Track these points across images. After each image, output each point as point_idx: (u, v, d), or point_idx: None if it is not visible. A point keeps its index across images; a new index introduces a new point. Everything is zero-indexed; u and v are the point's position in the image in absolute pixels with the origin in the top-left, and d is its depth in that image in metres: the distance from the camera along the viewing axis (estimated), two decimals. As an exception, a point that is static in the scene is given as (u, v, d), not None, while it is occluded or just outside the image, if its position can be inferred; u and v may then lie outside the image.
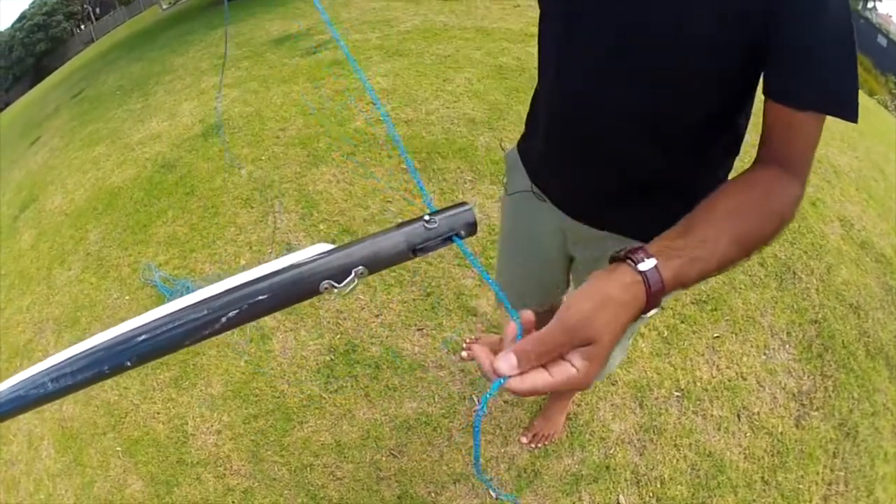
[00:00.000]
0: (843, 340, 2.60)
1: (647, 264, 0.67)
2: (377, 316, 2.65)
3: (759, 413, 2.29)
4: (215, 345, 2.72)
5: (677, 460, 2.13)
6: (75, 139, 6.34)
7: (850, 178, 3.84)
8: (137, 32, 15.57)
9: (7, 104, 25.40)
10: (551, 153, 1.22)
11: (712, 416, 2.27)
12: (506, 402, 2.29)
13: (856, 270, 2.99)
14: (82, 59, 18.12)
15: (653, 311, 0.68)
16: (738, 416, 2.27)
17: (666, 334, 2.51)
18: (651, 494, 2.07)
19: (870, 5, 27.84)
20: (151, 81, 7.08)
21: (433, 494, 2.10)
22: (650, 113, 1.00)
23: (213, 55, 7.17)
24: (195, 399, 2.57)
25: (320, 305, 2.73)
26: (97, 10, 32.78)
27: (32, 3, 33.13)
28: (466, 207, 0.69)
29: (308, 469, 2.21)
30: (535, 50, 1.29)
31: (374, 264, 0.64)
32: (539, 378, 0.61)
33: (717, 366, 2.43)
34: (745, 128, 1.06)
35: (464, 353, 2.42)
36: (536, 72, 1.29)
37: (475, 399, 2.30)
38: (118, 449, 2.52)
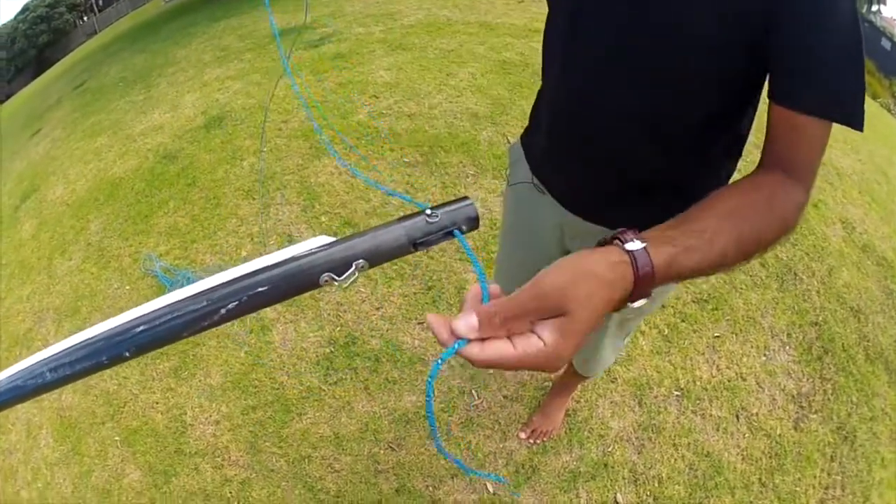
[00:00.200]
0: (843, 343, 2.59)
1: (635, 244, 0.63)
2: (378, 309, 2.65)
3: (757, 414, 2.29)
4: (215, 335, 2.72)
5: (675, 460, 2.14)
6: (77, 130, 6.33)
7: (852, 180, 3.83)
8: (140, 24, 15.57)
9: (9, 95, 25.37)
10: (553, 149, 1.22)
11: (711, 416, 2.26)
12: (505, 397, 2.29)
13: (857, 273, 2.99)
14: (85, 51, 18.10)
15: (641, 301, 0.64)
16: (737, 417, 2.27)
17: (667, 332, 2.51)
18: (648, 493, 2.07)
19: (874, 8, 27.83)
20: (154, 73, 7.06)
21: (430, 488, 2.10)
22: (650, 113, 1.00)
23: (216, 47, 7.14)
24: (194, 389, 2.57)
25: (321, 297, 2.73)
26: (100, 1, 32.73)
27: None
28: (468, 202, 0.68)
29: (306, 461, 2.22)
30: (538, 46, 1.29)
31: (375, 257, 0.63)
32: (500, 348, 0.56)
33: (717, 365, 2.43)
34: (748, 129, 1.06)
35: None
36: (540, 68, 1.29)
37: (475, 393, 2.30)
38: (116, 438, 2.52)
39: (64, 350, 0.61)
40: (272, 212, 3.32)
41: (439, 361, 0.57)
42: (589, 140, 1.10)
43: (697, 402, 2.30)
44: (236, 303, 0.60)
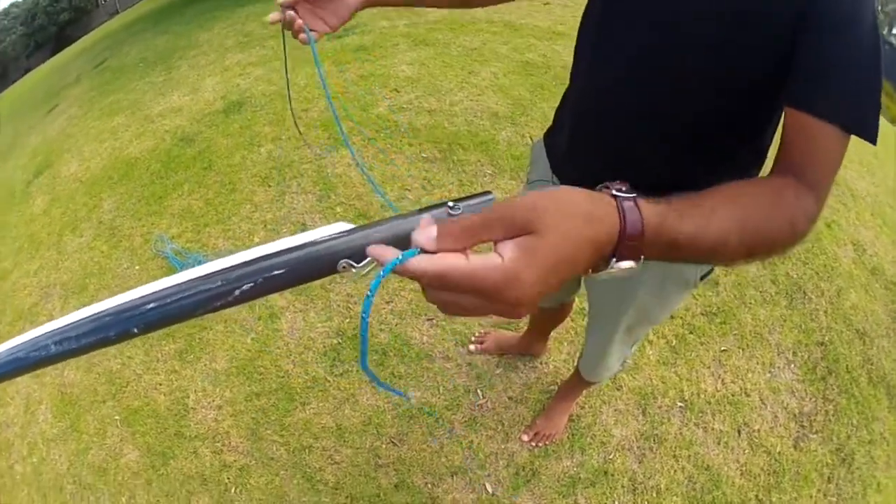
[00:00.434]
0: (847, 365, 2.59)
1: (623, 193, 0.59)
2: (388, 303, 2.65)
3: (759, 431, 2.29)
4: (223, 320, 2.73)
5: (675, 471, 2.14)
6: (94, 108, 6.32)
7: (866, 202, 3.83)
8: (163, 6, 15.48)
9: (27, 70, 25.49)
10: (575, 149, 1.24)
11: (713, 429, 2.27)
12: (510, 398, 2.30)
13: (865, 296, 2.99)
14: (105, 30, 18.11)
15: (629, 264, 0.58)
16: (739, 432, 2.27)
17: (674, 343, 2.51)
18: (646, 503, 2.07)
19: (895, 31, 27.84)
20: (175, 55, 7.04)
21: (430, 485, 2.11)
22: (672, 115, 1.01)
23: (240, 32, 7.11)
24: (198, 373, 2.58)
25: (331, 288, 2.73)
26: (123, -20, 32.89)
27: None
28: (490, 196, 0.67)
29: (307, 451, 2.22)
30: (561, 49, 1.29)
31: (395, 246, 0.61)
32: (450, 260, 0.50)
33: (722, 379, 2.43)
34: (771, 139, 1.06)
35: (471, 347, 2.43)
36: (562, 70, 1.29)
37: (480, 393, 2.31)
38: (116, 418, 2.53)
39: (70, 324, 0.60)
40: (287, 200, 3.32)
41: (383, 272, 0.53)
42: (611, 140, 1.11)
43: (700, 414, 2.30)
44: (251, 284, 0.60)
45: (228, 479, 2.22)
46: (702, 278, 1.29)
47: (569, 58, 1.21)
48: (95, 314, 0.61)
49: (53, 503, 2.41)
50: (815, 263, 3.02)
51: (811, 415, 2.38)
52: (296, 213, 3.20)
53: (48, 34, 31.59)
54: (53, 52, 24.63)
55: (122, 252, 3.41)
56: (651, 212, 0.59)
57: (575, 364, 2.02)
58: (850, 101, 0.80)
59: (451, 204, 0.63)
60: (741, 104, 0.97)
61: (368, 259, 0.60)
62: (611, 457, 2.16)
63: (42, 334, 0.61)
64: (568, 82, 1.28)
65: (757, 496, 2.12)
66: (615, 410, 2.28)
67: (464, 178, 3.23)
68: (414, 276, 0.52)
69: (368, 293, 0.54)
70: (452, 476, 2.11)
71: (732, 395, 2.38)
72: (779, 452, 2.23)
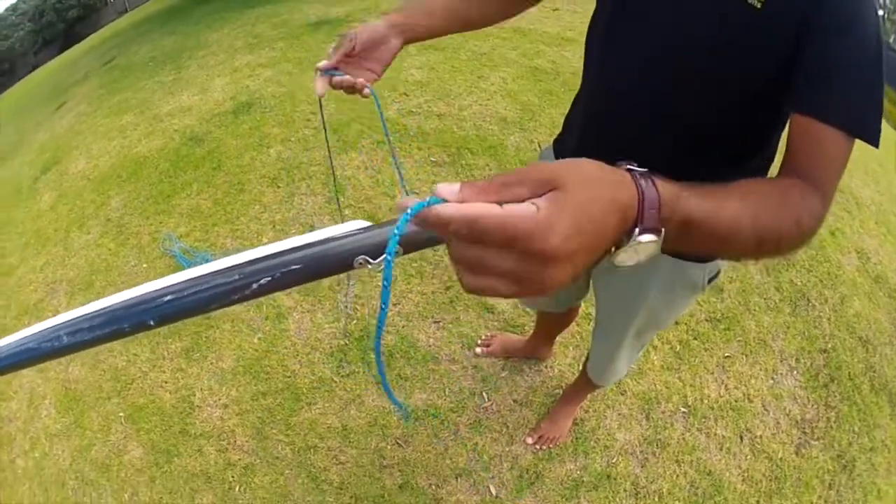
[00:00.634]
0: (849, 372, 2.61)
1: (636, 168, 0.57)
2: (395, 305, 2.67)
3: (761, 437, 2.30)
4: (229, 319, 2.74)
5: (677, 476, 2.15)
6: (103, 106, 6.34)
7: (870, 210, 3.85)
8: (172, 6, 15.47)
9: (35, 67, 25.54)
10: (585, 150, 1.24)
11: (716, 435, 2.28)
12: (515, 401, 2.31)
13: (868, 304, 3.00)
14: (115, 28, 18.14)
15: (650, 237, 0.55)
16: (741, 438, 2.29)
17: (678, 349, 2.52)
18: (648, 507, 2.10)
19: None
20: (185, 55, 7.06)
21: (434, 487, 2.12)
22: (682, 118, 1.03)
23: (249, 34, 7.12)
24: (205, 371, 2.59)
25: (339, 289, 2.75)
26: (132, -20, 32.96)
27: None
28: None
29: (312, 450, 2.23)
30: (570, 55, 1.32)
31: (410, 244, 0.62)
32: (483, 205, 0.46)
33: (726, 385, 2.44)
34: (776, 145, 1.08)
35: (478, 350, 2.45)
36: (570, 77, 1.31)
37: (485, 396, 2.32)
38: (121, 414, 2.54)
39: (83, 315, 0.62)
40: (296, 201, 3.34)
41: (409, 213, 0.48)
42: (620, 143, 1.10)
43: (703, 420, 2.32)
44: (269, 278, 0.61)
45: (233, 477, 2.23)
46: (709, 281, 1.31)
47: (578, 64, 1.22)
48: (109, 306, 0.62)
49: (55, 498, 2.41)
50: (819, 271, 3.04)
51: (813, 421, 2.40)
52: (304, 214, 3.22)
53: (56, 31, 31.60)
54: (62, 50, 24.62)
55: (129, 250, 3.42)
56: (665, 187, 0.57)
57: (580, 368, 2.04)
58: (853, 105, 0.82)
59: None
60: (748, 108, 0.99)
61: (383, 256, 0.60)
62: (614, 461, 2.17)
63: (54, 325, 0.62)
64: (577, 89, 1.30)
65: (758, 502, 2.13)
66: (619, 415, 2.30)
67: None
68: (441, 223, 0.47)
69: (387, 254, 0.52)
70: (457, 478, 2.12)
71: (735, 401, 2.39)
72: (780, 458, 2.24)
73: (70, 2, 30.97)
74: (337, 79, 1.13)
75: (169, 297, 0.61)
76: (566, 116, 1.38)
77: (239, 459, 2.26)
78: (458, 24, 1.20)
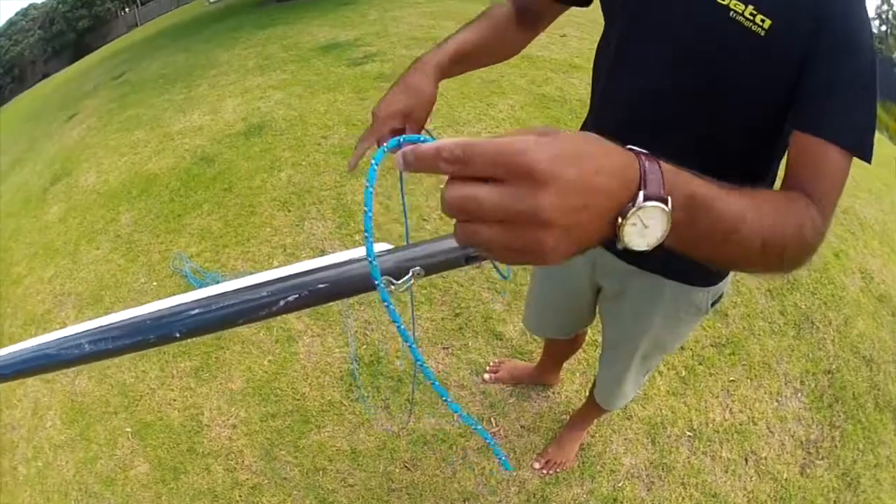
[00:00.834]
0: (853, 392, 2.63)
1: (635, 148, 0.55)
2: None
3: (766, 458, 2.32)
4: (240, 341, 2.77)
5: (683, 499, 2.17)
6: (113, 121, 6.42)
7: (874, 230, 3.89)
8: (183, 22, 15.69)
9: (44, 75, 25.70)
10: None
11: (721, 457, 2.30)
12: (522, 427, 2.34)
13: (872, 323, 3.03)
14: (125, 42, 18.31)
15: (655, 204, 0.51)
16: (746, 460, 2.31)
17: (684, 374, 2.55)
18: (655, 530, 2.12)
19: None
20: (195, 74, 7.16)
21: (442, 511, 2.15)
22: (687, 145, 1.01)
23: (260, 55, 7.23)
24: (214, 391, 2.61)
25: (349, 314, 2.78)
26: (143, -6, 33.21)
27: None
28: None
29: (320, 472, 2.25)
30: (577, 81, 1.36)
31: (431, 267, 0.66)
32: (477, 140, 0.44)
33: (731, 409, 2.47)
34: (777, 168, 1.11)
35: (486, 376, 2.48)
36: (578, 104, 1.36)
37: (493, 421, 2.35)
38: (128, 430, 2.56)
39: (105, 325, 0.64)
40: (306, 226, 3.38)
41: (400, 141, 0.51)
42: None
43: (709, 443, 2.34)
44: (296, 296, 0.64)
45: (240, 496, 2.23)
46: (713, 304, 1.35)
47: (585, 91, 1.28)
48: (134, 318, 0.64)
49: (56, 507, 2.44)
50: (823, 293, 3.07)
51: (818, 441, 2.42)
52: (315, 238, 3.25)
53: (66, 41, 31.79)
54: (72, 60, 24.77)
55: (139, 267, 3.46)
56: (667, 164, 0.55)
57: (587, 394, 2.07)
58: (851, 124, 0.86)
59: None
60: (751, 134, 1.04)
61: (407, 277, 0.64)
62: (620, 484, 2.19)
63: (73, 334, 0.64)
64: (584, 116, 1.34)
65: (764, 522, 2.16)
66: (625, 439, 2.32)
67: None
68: (433, 153, 0.46)
69: (373, 162, 0.54)
70: (464, 501, 2.14)
71: (740, 424, 2.41)
72: (785, 479, 2.26)
73: (80, 11, 31.17)
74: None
75: (197, 311, 0.64)
76: None
77: (247, 479, 2.27)
78: (486, 62, 1.22)
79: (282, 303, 0.64)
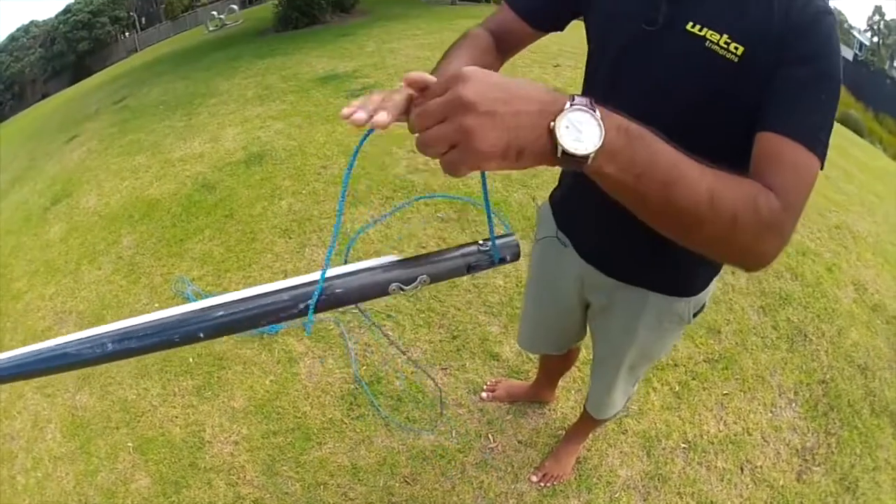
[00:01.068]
0: (848, 399, 2.67)
1: None
2: (404, 353, 2.75)
3: (761, 467, 2.35)
4: (241, 361, 2.81)
5: None
6: (114, 145, 6.48)
7: (867, 242, 3.96)
8: (183, 50, 15.85)
9: (44, 95, 25.75)
10: (576, 203, 1.39)
11: (716, 467, 2.33)
12: (519, 441, 2.38)
13: (866, 332, 3.08)
14: (125, 67, 18.31)
15: (582, 111, 0.60)
16: (742, 469, 2.33)
17: (677, 389, 2.60)
18: (653, 539, 2.14)
19: None
20: (196, 102, 7.24)
21: (441, 524, 2.17)
22: None
23: (259, 85, 7.34)
24: (216, 409, 2.63)
25: (350, 338, 2.83)
26: (143, 19, 33.39)
27: None
28: (513, 237, 0.81)
29: (322, 487, 2.27)
30: None
31: (437, 275, 0.74)
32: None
33: (725, 421, 2.50)
34: None
35: (483, 395, 2.53)
36: None
37: (491, 437, 2.39)
38: (129, 444, 2.57)
39: (129, 326, 0.66)
40: (307, 252, 3.45)
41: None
42: (604, 193, 1.26)
43: (703, 454, 2.37)
44: (315, 300, 0.70)
45: None
46: (695, 315, 1.42)
47: None
48: (156, 319, 0.67)
49: (56, 519, 2.44)
50: (816, 307, 3.13)
51: (814, 449, 2.45)
52: (315, 265, 3.29)
53: (66, 62, 31.89)
54: (71, 81, 24.82)
55: (141, 288, 3.50)
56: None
57: (581, 410, 2.11)
58: (811, 124, 0.89)
59: (480, 242, 0.78)
60: (730, 154, 1.02)
61: (415, 283, 0.72)
62: (617, 495, 2.22)
63: (96, 334, 0.66)
64: None
65: (762, 528, 2.18)
66: (620, 452, 2.35)
67: (477, 238, 3.33)
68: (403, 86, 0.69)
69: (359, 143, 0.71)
70: None
71: (735, 435, 2.45)
72: (782, 486, 2.29)
73: (81, 33, 31.31)
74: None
75: (221, 312, 0.68)
76: (562, 171, 1.46)
77: (248, 493, 2.29)
78: None
79: (301, 306, 0.69)
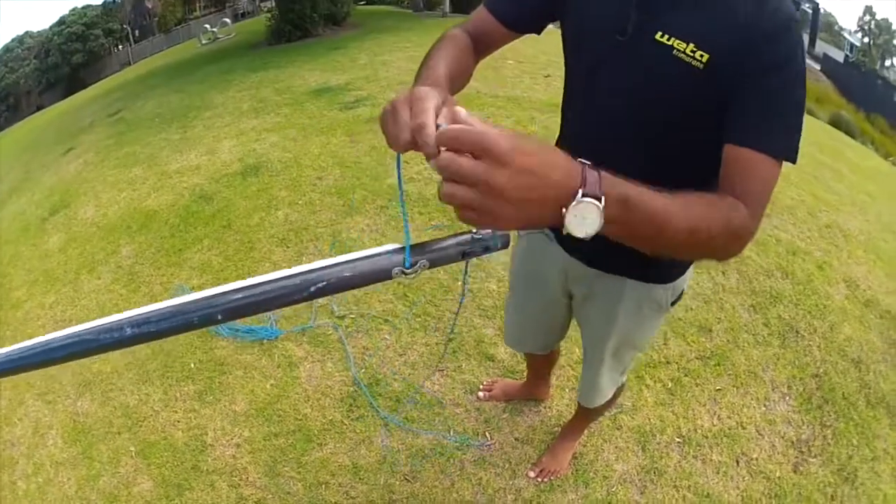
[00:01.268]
0: (843, 392, 2.68)
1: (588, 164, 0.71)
2: (401, 355, 2.79)
3: (757, 459, 2.36)
4: (242, 367, 2.85)
5: (677, 500, 2.21)
6: (111, 157, 6.52)
7: (858, 240, 3.99)
8: (176, 63, 15.87)
9: (39, 107, 25.71)
10: None
11: (712, 460, 2.34)
12: (516, 439, 2.41)
13: (859, 327, 3.10)
14: (119, 80, 18.21)
15: (590, 200, 0.66)
16: (737, 462, 2.35)
17: (670, 386, 2.63)
18: (651, 530, 2.17)
19: (887, 63, 27.63)
20: (191, 115, 7.29)
21: (441, 519, 2.20)
22: (645, 166, 1.19)
23: (254, 98, 7.41)
24: (218, 413, 2.66)
25: (347, 342, 2.88)
26: (136, 32, 33.41)
27: (72, 10, 33.42)
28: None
29: (323, 486, 2.29)
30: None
31: (435, 260, 0.78)
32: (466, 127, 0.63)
33: (718, 415, 2.52)
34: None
35: (480, 394, 2.58)
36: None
37: (488, 435, 2.43)
38: (131, 449, 2.58)
39: (148, 311, 0.68)
40: (304, 260, 3.47)
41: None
42: None
43: (698, 448, 2.38)
44: (325, 283, 0.73)
45: None
46: (672, 303, 1.48)
47: None
48: (174, 304, 0.69)
49: (58, 523, 2.44)
50: (807, 304, 3.16)
51: (809, 441, 2.46)
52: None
53: (61, 74, 31.82)
54: (66, 94, 24.77)
55: (141, 297, 3.53)
56: (605, 172, 0.70)
57: (576, 406, 2.18)
58: (777, 133, 0.98)
59: (474, 231, 0.81)
60: (698, 154, 1.12)
61: (416, 267, 0.76)
62: (613, 489, 2.24)
63: (115, 320, 0.68)
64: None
65: (760, 518, 2.20)
66: (616, 447, 2.38)
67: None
68: (435, 138, 0.64)
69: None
70: None
71: (729, 429, 2.47)
72: (778, 477, 2.30)
73: (75, 45, 31.24)
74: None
75: (239, 296, 0.70)
76: None
77: (251, 494, 2.31)
78: (460, 88, 1.20)
79: (312, 289, 0.72)
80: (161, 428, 2.66)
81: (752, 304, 3.15)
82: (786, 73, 0.99)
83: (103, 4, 32.09)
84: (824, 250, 3.74)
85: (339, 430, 2.51)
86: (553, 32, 1.33)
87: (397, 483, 2.29)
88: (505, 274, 3.13)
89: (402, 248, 0.77)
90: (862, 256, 3.81)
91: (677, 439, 2.43)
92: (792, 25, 0.99)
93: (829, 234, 3.96)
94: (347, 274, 0.74)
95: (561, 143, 1.45)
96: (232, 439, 2.55)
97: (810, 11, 27.99)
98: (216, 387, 2.79)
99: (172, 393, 2.81)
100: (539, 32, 1.31)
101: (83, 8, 33.20)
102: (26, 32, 34.76)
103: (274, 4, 15.72)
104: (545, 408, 2.54)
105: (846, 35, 30.32)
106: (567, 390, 2.58)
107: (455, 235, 0.82)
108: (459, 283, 3.20)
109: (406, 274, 0.77)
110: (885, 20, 28.63)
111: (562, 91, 1.45)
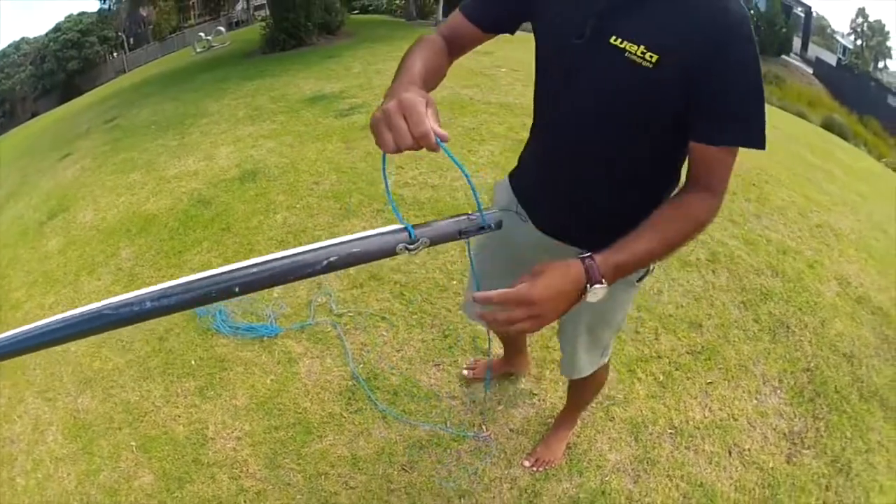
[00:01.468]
0: (835, 386, 2.70)
1: (583, 255, 1.05)
2: (398, 351, 2.84)
3: (750, 450, 2.38)
4: (242, 363, 2.89)
5: (670, 489, 2.24)
6: (108, 162, 6.55)
7: (850, 239, 4.04)
8: (171, 71, 15.92)
9: (34, 114, 25.61)
10: (540, 185, 1.51)
11: (704, 451, 2.37)
12: (511, 430, 2.45)
13: (851, 323, 3.13)
14: (114, 87, 18.25)
15: (600, 285, 1.02)
16: (730, 452, 2.37)
17: (661, 379, 2.67)
18: (645, 519, 2.20)
19: (881, 65, 27.83)
20: (187, 122, 7.34)
21: (439, 507, 2.24)
22: (615, 157, 1.30)
23: (249, 106, 7.46)
24: (218, 408, 2.68)
25: (346, 338, 2.93)
26: (131, 40, 33.36)
27: (68, 17, 33.28)
28: (495, 210, 0.99)
29: (323, 477, 2.33)
30: None
31: (435, 238, 0.91)
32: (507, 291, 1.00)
33: (710, 408, 2.56)
34: (681, 168, 1.33)
35: (465, 373, 2.66)
36: None
37: (484, 427, 2.47)
38: (132, 444, 2.60)
39: (166, 286, 0.73)
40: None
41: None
42: (570, 177, 1.39)
43: (690, 439, 2.41)
44: (336, 257, 0.81)
45: (245, 501, 2.29)
46: (640, 279, 1.54)
47: None
48: (194, 279, 0.74)
49: (58, 519, 2.47)
50: (798, 301, 3.20)
51: (802, 433, 2.48)
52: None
53: (56, 80, 31.65)
54: (61, 101, 24.68)
55: None
56: (599, 256, 1.04)
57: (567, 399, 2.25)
58: (739, 125, 1.10)
59: (469, 213, 0.94)
60: (657, 147, 1.26)
61: (418, 244, 0.87)
62: (607, 478, 2.27)
63: (134, 295, 0.72)
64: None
65: (754, 507, 2.23)
66: (609, 438, 2.42)
67: (464, 246, 3.45)
68: (494, 299, 1.01)
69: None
70: (460, 498, 2.23)
71: (721, 421, 2.50)
72: (771, 468, 2.32)
73: (70, 52, 31.10)
74: None
75: (255, 270, 0.76)
76: (521, 155, 1.62)
77: (251, 486, 2.33)
78: (433, 87, 1.23)
79: (325, 262, 0.80)
80: (162, 423, 2.68)
81: (743, 301, 3.19)
82: (738, 68, 1.08)
83: (99, 12, 31.92)
84: (815, 249, 3.79)
85: (338, 422, 2.55)
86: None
87: (395, 473, 2.33)
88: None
89: (405, 228, 0.85)
90: (853, 255, 3.86)
91: (669, 430, 2.47)
92: (743, 22, 1.06)
93: (821, 234, 4.02)
94: (356, 250, 0.83)
95: (532, 139, 1.54)
96: (232, 433, 2.58)
97: (803, 15, 28.37)
98: (217, 382, 2.83)
99: (173, 389, 2.84)
100: (513, 32, 1.39)
101: (79, 15, 33.04)
102: (23, 38, 34.65)
103: (268, 13, 15.83)
104: (539, 400, 2.59)
105: (839, 38, 30.44)
106: (560, 383, 2.61)
107: (453, 216, 0.91)
108: (454, 282, 3.25)
109: (409, 250, 0.86)
110: (879, 21, 28.84)
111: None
